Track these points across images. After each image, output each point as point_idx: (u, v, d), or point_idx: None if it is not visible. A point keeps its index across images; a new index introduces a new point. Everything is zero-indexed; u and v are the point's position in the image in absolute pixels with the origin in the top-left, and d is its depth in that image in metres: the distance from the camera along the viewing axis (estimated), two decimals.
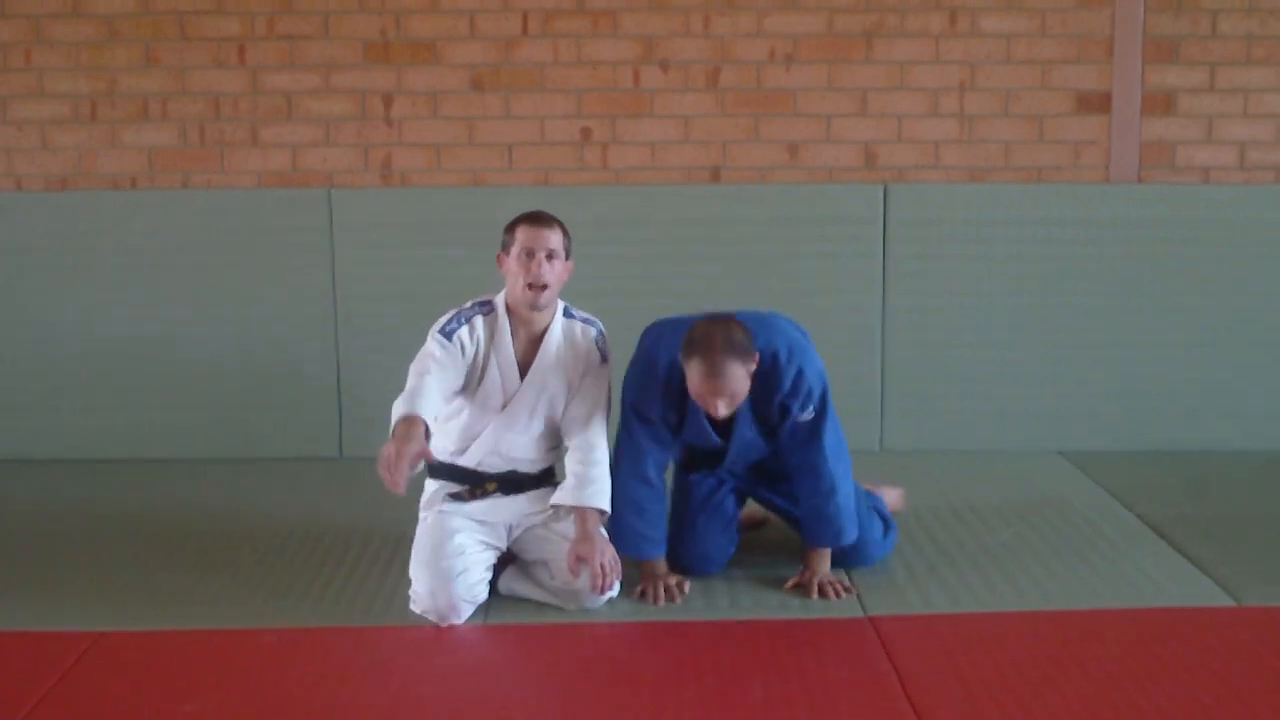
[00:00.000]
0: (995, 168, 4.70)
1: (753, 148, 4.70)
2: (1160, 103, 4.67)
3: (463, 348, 3.16)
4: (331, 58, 4.65)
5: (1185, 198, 4.64)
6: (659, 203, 4.67)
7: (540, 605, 3.21)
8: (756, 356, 3.05)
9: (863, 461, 4.04)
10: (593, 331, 3.32)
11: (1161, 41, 4.64)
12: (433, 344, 3.15)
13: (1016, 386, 4.70)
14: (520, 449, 3.28)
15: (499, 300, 3.26)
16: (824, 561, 3.32)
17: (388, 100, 4.67)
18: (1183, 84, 4.66)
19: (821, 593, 3.24)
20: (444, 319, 3.22)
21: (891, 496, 3.72)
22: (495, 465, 3.27)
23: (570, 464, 3.25)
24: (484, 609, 3.18)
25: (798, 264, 4.62)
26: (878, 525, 3.46)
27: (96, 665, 2.87)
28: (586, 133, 4.69)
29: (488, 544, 3.21)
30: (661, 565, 3.30)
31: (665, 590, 3.23)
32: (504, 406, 3.22)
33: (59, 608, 3.23)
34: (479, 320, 3.21)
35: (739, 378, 3.01)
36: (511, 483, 3.28)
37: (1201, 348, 4.66)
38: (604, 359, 3.32)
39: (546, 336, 3.24)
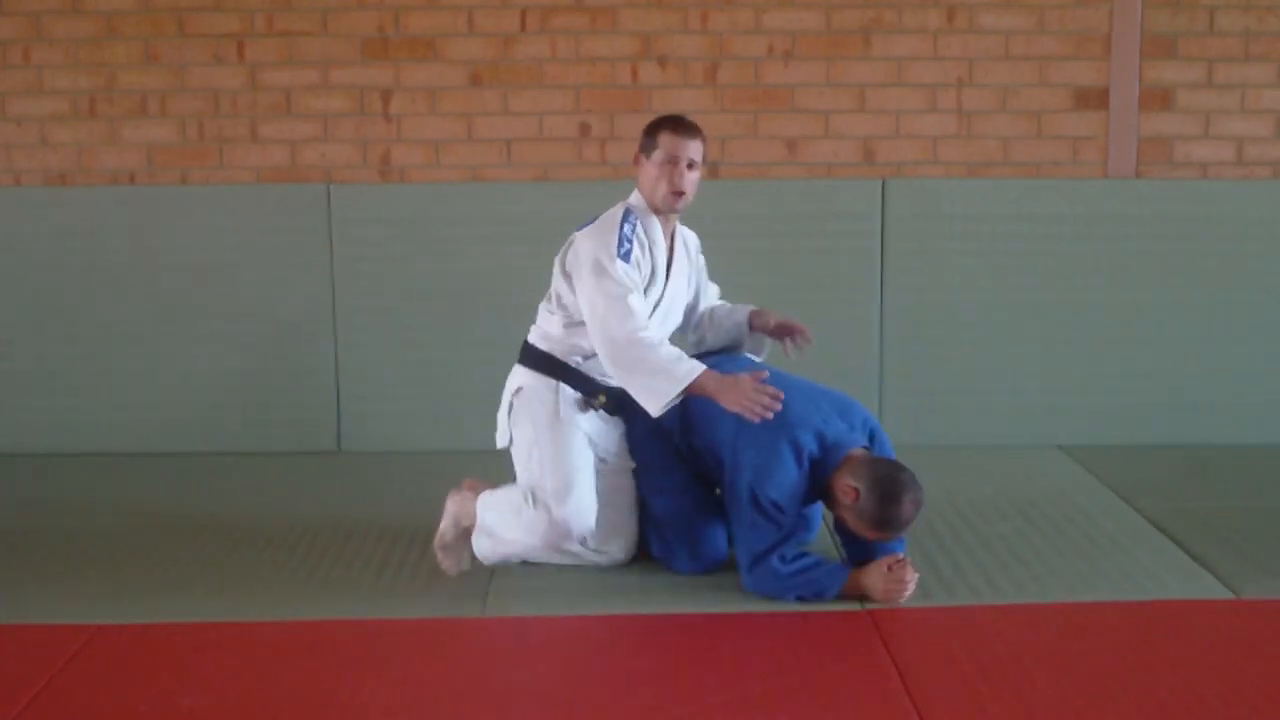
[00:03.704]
0: (993, 163, 4.70)
1: (751, 143, 4.70)
2: (1158, 98, 4.67)
3: (639, 266, 3.21)
4: (330, 54, 4.64)
5: (1183, 193, 4.65)
6: None
7: (540, 596, 3.20)
8: None
9: None
10: (693, 234, 3.51)
11: (1159, 37, 4.64)
12: (618, 287, 3.10)
13: (1015, 381, 4.70)
14: None
15: (637, 202, 3.30)
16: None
17: (386, 96, 4.67)
18: (1180, 80, 4.66)
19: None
20: (607, 238, 3.17)
21: None
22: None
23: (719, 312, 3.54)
24: (482, 600, 3.19)
25: (796, 259, 4.62)
26: None
27: (95, 658, 2.87)
28: (585, 129, 4.69)
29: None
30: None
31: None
32: (656, 307, 3.28)
33: (58, 601, 3.23)
34: (639, 227, 3.23)
35: None
36: (618, 402, 3.27)
37: (1200, 342, 4.67)
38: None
39: (678, 235, 3.38)
